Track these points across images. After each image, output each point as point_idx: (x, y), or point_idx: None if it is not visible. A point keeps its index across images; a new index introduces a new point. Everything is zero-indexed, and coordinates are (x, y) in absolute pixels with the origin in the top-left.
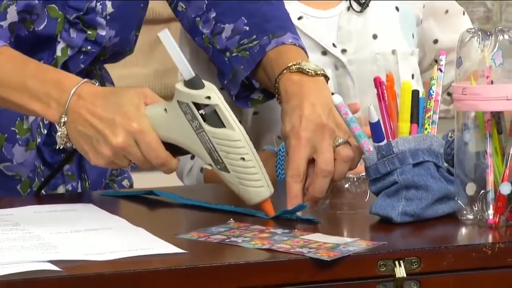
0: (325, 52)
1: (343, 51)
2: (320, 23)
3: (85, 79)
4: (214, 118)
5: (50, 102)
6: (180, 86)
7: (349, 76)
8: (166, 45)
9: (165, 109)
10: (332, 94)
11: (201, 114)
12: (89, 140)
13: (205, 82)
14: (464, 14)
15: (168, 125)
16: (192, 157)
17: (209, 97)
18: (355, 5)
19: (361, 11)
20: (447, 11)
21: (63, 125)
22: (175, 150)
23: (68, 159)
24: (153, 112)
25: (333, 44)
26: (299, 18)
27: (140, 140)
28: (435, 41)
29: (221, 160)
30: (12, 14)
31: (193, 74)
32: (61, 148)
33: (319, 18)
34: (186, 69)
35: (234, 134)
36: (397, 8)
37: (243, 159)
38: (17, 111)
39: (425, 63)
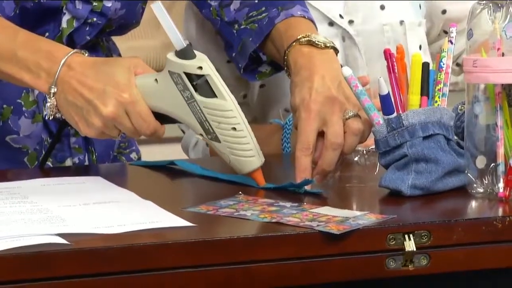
0: (331, 23)
1: (350, 22)
2: None
3: (75, 50)
4: (205, 88)
5: (40, 72)
6: (171, 56)
7: (357, 47)
8: (159, 16)
9: (156, 80)
10: (341, 66)
11: (192, 84)
12: (79, 110)
13: (196, 53)
14: None
15: (159, 96)
16: None
17: (200, 67)
18: None
19: None
20: None
21: (53, 96)
22: (162, 118)
23: (63, 127)
24: (143, 82)
25: (340, 15)
26: None
27: (130, 110)
28: (444, 12)
29: (212, 130)
30: None
31: (185, 44)
32: (50, 119)
33: None
34: (178, 39)
35: (225, 104)
36: None
37: (234, 129)
38: (8, 81)
39: (433, 33)
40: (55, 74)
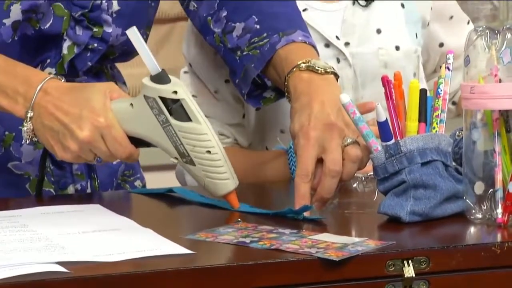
0: (328, 45)
1: (346, 44)
2: (324, 15)
3: (52, 75)
4: (180, 112)
5: (17, 97)
6: (146, 81)
7: (351, 69)
8: (133, 41)
9: (131, 104)
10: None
11: (167, 108)
12: (55, 134)
13: (171, 77)
14: (468, 23)
15: (134, 120)
16: None
17: (175, 92)
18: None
19: (366, 6)
20: (451, 17)
21: (29, 120)
22: (137, 142)
23: (45, 156)
24: (119, 106)
25: (337, 37)
26: (304, 10)
27: (106, 134)
28: (441, 45)
29: (187, 154)
30: (15, 13)
31: (160, 69)
32: (27, 143)
33: (323, 11)
34: (152, 64)
35: (200, 127)
36: (402, 5)
37: (209, 152)
38: None
39: (429, 66)
40: (31, 99)
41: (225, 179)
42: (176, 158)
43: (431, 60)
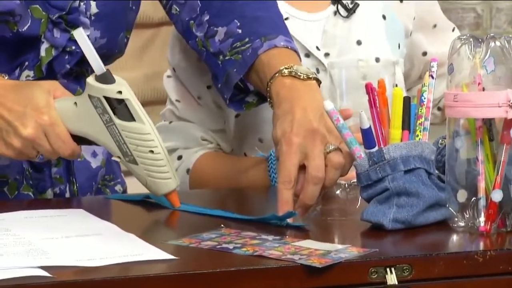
0: (308, 55)
1: (326, 54)
2: (305, 25)
3: None
4: (124, 112)
5: None
6: (91, 80)
7: (330, 79)
8: (80, 42)
9: (75, 103)
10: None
11: (111, 108)
12: None
13: (116, 77)
14: (453, 30)
15: (78, 118)
16: (179, 158)
17: (120, 92)
18: (342, 10)
19: (347, 17)
20: (435, 26)
21: None
22: (79, 139)
23: None
24: (62, 105)
25: (317, 47)
26: (285, 19)
27: (50, 132)
28: (424, 53)
29: (130, 153)
30: None
31: (104, 70)
32: None
33: (304, 20)
34: (98, 65)
35: (144, 127)
36: (384, 17)
37: (152, 151)
38: None
39: (413, 75)
40: None
41: (167, 178)
42: (119, 157)
43: (415, 68)
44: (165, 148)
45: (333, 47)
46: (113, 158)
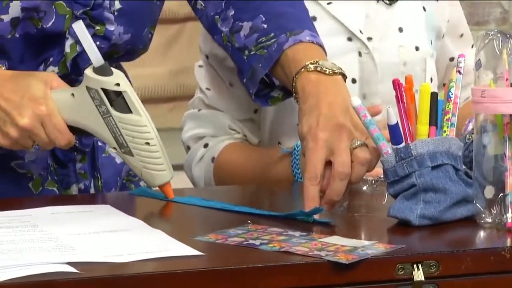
0: (350, 38)
1: (369, 38)
2: (348, 10)
3: None
4: (121, 104)
5: None
6: (89, 72)
7: (373, 62)
8: (79, 35)
9: (73, 94)
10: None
11: (109, 100)
12: None
13: (114, 70)
14: (472, 47)
15: (75, 109)
16: (205, 146)
17: (118, 84)
18: None
19: (390, 4)
20: (462, 35)
21: None
22: (76, 130)
23: None
24: (59, 96)
25: (360, 31)
26: (329, 3)
27: (47, 122)
28: (451, 59)
29: (126, 144)
30: (15, 9)
31: (103, 62)
32: None
33: (348, 6)
34: (96, 57)
35: (140, 119)
36: (424, 8)
37: (148, 143)
38: None
39: (438, 79)
40: None
41: (162, 170)
42: (115, 148)
43: (439, 72)
44: (160, 140)
45: (376, 32)
46: (108, 149)
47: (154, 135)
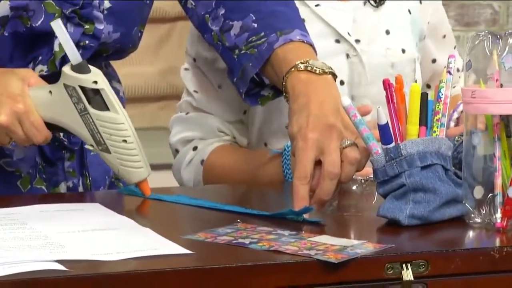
0: (338, 40)
1: (357, 41)
2: (336, 13)
3: None
4: (99, 102)
5: None
6: (67, 70)
7: (361, 64)
8: (57, 33)
9: (50, 91)
10: (341, 89)
11: (86, 98)
12: None
13: (91, 67)
14: (455, 48)
15: (52, 107)
16: (194, 149)
17: (95, 82)
18: (372, 1)
19: (377, 6)
20: (444, 36)
21: None
22: (52, 127)
23: None
24: (37, 93)
25: (348, 33)
26: (316, 5)
27: (24, 120)
28: (434, 60)
29: (103, 142)
30: (4, 8)
31: (81, 59)
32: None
33: (335, 9)
34: (74, 54)
35: (118, 117)
36: (409, 11)
37: (125, 141)
38: None
39: (422, 80)
40: None
41: (139, 167)
42: (92, 146)
43: (422, 75)
44: (137, 138)
45: (363, 34)
46: (86, 146)
47: (131, 133)
